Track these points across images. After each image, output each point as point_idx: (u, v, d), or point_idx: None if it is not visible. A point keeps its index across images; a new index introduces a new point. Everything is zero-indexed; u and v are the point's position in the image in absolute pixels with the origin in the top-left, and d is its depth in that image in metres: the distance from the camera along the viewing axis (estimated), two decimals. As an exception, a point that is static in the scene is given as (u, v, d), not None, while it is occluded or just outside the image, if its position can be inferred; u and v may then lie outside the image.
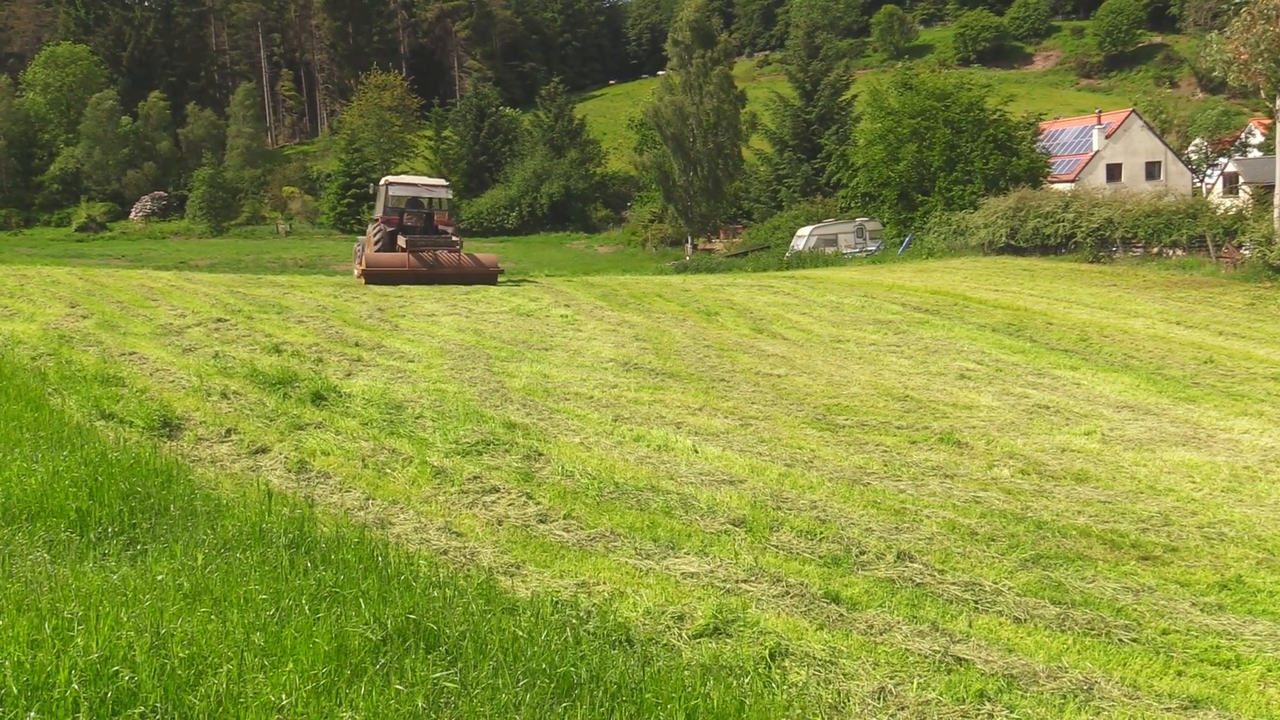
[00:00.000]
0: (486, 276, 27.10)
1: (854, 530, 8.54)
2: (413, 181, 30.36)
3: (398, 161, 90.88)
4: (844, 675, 6.00)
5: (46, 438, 9.02)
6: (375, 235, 27.86)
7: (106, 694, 4.32)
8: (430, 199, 29.23)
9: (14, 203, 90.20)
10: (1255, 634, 6.99)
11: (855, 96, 68.66)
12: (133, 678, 4.45)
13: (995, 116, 43.17)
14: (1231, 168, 54.14)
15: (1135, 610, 7.23)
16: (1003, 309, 22.94)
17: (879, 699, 5.74)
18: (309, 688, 4.61)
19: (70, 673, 4.41)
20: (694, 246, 65.26)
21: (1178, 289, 26.81)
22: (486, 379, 14.11)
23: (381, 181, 29.65)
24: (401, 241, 27.05)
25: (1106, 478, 10.72)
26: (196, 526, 7.05)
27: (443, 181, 32.76)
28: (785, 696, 5.46)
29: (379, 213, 28.43)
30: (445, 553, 7.64)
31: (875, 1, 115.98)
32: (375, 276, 25.76)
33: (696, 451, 10.80)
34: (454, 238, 28.18)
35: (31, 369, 13.16)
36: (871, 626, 6.69)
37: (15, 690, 4.28)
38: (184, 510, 7.42)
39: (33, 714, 4.13)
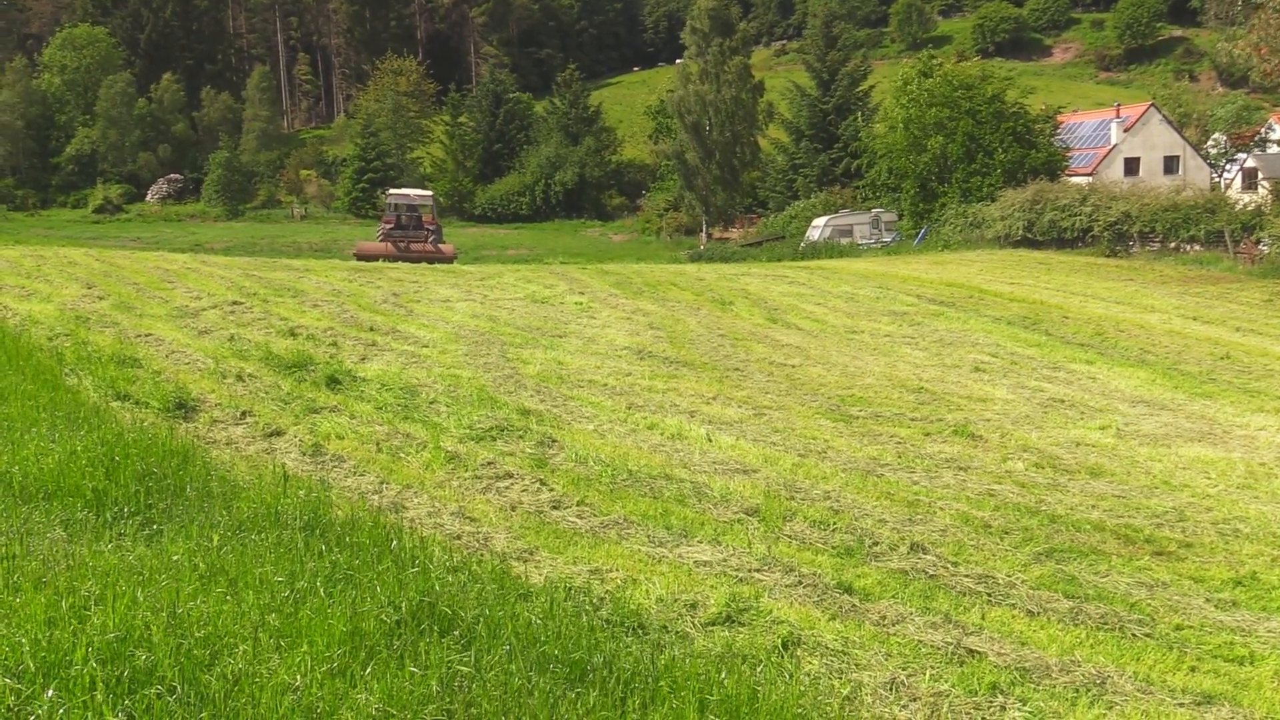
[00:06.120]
0: (445, 259, 36.67)
1: (867, 521, 8.53)
2: (406, 193, 44.87)
3: (413, 147, 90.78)
4: (856, 666, 6.00)
5: (63, 417, 9.05)
6: (380, 229, 41.48)
7: (123, 672, 4.34)
8: (419, 204, 41.86)
9: (31, 184, 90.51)
10: (1269, 630, 6.97)
11: (873, 87, 68.39)
12: (149, 657, 4.47)
13: (1014, 109, 42.97)
14: (1251, 163, 53.66)
15: (1149, 605, 7.21)
16: (1018, 302, 22.85)
17: (891, 690, 5.74)
18: (324, 669, 4.63)
19: (87, 651, 4.43)
20: (709, 235, 65.15)
21: (1195, 284, 26.66)
22: (501, 365, 14.13)
23: (387, 193, 47.17)
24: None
25: (1121, 472, 10.69)
26: (212, 507, 7.08)
27: (429, 192, 48.96)
28: (798, 686, 5.46)
29: (386, 214, 42.37)
30: (459, 537, 7.66)
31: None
32: (363, 257, 36.68)
33: (710, 440, 10.80)
34: (430, 232, 40.23)
35: (48, 349, 13.21)
36: (884, 617, 6.68)
37: (33, 668, 4.30)
38: (199, 491, 7.44)
39: (50, 692, 4.15)
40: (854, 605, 6.86)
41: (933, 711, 5.56)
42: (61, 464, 7.48)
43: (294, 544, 6.40)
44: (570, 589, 6.52)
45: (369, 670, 4.70)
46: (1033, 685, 5.92)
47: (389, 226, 40.33)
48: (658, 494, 8.94)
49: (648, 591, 6.79)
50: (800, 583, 7.13)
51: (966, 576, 7.47)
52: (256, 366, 13.02)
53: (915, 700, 5.66)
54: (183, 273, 22.89)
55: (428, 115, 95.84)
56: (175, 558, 5.88)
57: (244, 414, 10.85)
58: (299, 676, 4.51)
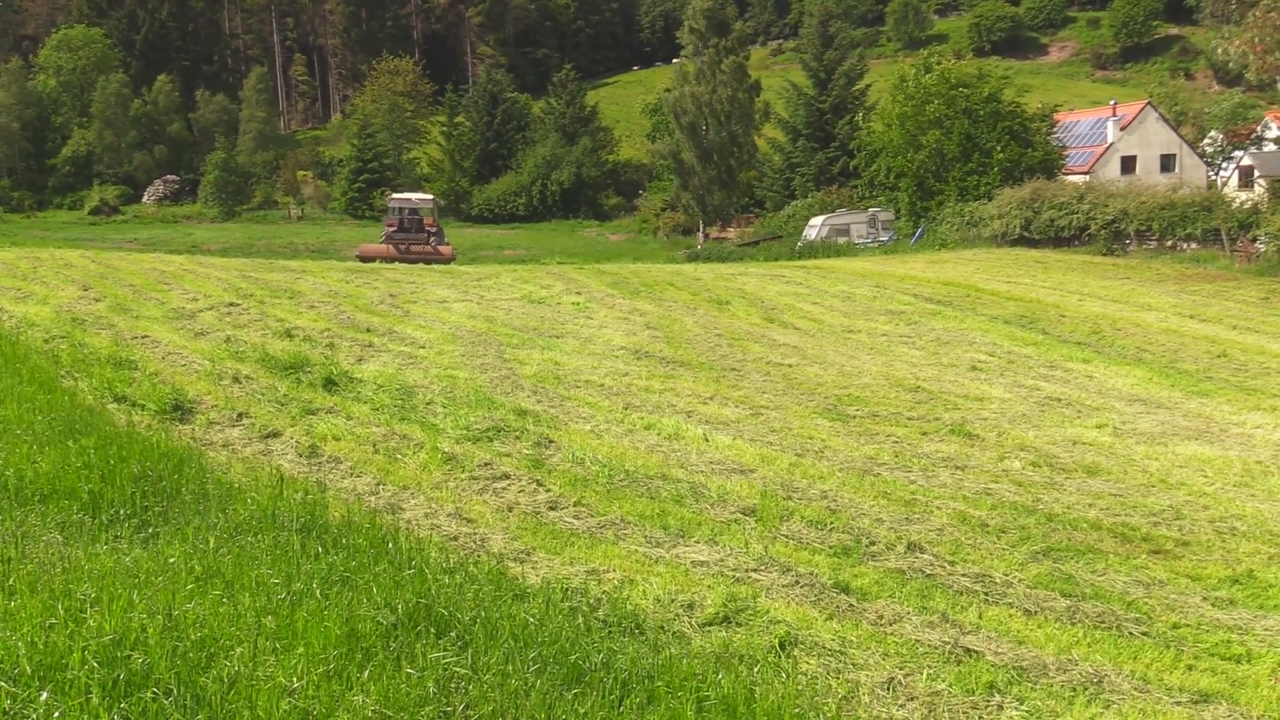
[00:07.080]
0: (443, 260, 38.50)
1: (864, 521, 8.53)
2: (407, 197, 47.12)
3: (410, 147, 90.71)
4: (854, 665, 6.00)
5: (59, 419, 9.04)
6: (384, 232, 43.57)
7: (120, 675, 4.32)
8: (420, 207, 44.33)
9: (27, 185, 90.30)
10: (1266, 629, 6.97)
11: (870, 86, 68.38)
12: (146, 659, 4.45)
13: (1011, 108, 42.99)
14: (1247, 161, 53.69)
15: (1146, 604, 7.22)
16: (1015, 301, 22.86)
17: (889, 689, 5.74)
18: (320, 671, 4.62)
19: (83, 653, 4.41)
20: (706, 235, 65.15)
21: (1191, 282, 26.68)
22: (497, 366, 14.12)
23: (389, 197, 50.10)
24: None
25: (1118, 471, 10.69)
26: (208, 510, 7.06)
27: (429, 196, 50.25)
28: (795, 686, 5.45)
29: (389, 217, 44.83)
30: (456, 539, 7.65)
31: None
32: (365, 258, 38.47)
33: (707, 440, 10.79)
34: (430, 233, 42.29)
35: (44, 351, 13.20)
36: (881, 617, 6.68)
37: (29, 670, 4.29)
38: (196, 493, 7.43)
39: (46, 694, 4.14)
40: (851, 605, 6.86)
41: (930, 711, 5.56)
42: (57, 466, 7.47)
43: (290, 546, 6.39)
44: (567, 590, 6.52)
45: (366, 672, 4.69)
46: (1030, 684, 5.93)
47: (392, 229, 42.52)
48: (655, 494, 8.94)
49: (645, 592, 6.79)
50: (797, 582, 7.13)
51: (963, 575, 7.48)
52: (253, 368, 13.01)
53: (912, 700, 5.66)
54: (179, 274, 22.86)
55: (424, 116, 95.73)
56: (171, 560, 5.87)
57: (240, 416, 10.83)
58: (295, 679, 4.50)
